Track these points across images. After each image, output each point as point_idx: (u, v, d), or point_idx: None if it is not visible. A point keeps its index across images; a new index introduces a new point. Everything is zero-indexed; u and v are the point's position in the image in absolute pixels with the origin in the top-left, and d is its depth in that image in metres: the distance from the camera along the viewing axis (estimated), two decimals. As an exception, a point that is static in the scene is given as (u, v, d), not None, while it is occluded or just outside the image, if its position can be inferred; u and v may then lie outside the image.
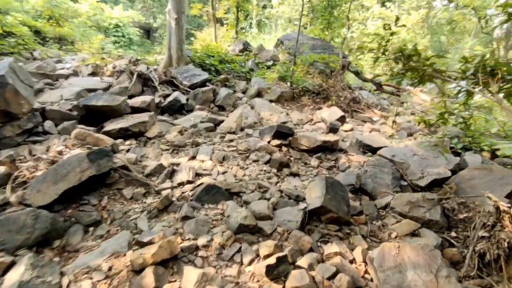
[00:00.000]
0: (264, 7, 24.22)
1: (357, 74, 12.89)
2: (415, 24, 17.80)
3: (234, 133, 4.86)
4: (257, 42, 15.74)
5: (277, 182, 3.41)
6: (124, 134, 4.34)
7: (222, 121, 5.33)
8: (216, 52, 10.23)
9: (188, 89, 7.61)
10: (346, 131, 6.02)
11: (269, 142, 4.24)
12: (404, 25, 11.71)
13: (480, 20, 14.75)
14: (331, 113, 6.71)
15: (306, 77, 9.41)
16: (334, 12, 12.99)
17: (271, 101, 8.31)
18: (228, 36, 14.95)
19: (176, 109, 6.01)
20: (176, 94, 6.15)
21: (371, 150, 4.47)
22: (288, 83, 8.82)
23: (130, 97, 6.65)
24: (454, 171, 4.07)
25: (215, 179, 3.39)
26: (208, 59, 9.21)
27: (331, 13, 12.74)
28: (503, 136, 5.21)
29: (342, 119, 6.60)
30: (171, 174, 3.52)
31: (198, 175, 3.55)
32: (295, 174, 3.66)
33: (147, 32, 29.15)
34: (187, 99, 7.11)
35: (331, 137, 4.16)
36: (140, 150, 3.96)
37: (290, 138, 4.34)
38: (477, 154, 4.85)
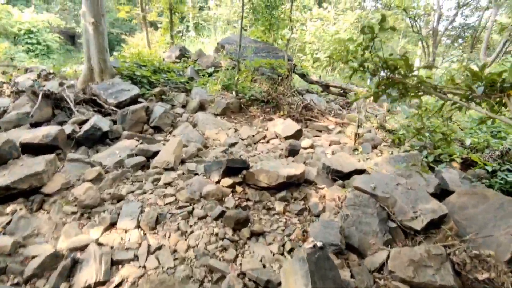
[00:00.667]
0: (201, 9, 23.02)
1: (303, 76, 12.39)
2: (352, 24, 18.14)
3: (172, 169, 3.80)
4: (195, 46, 14.57)
5: (236, 256, 2.44)
6: (6, 194, 3.02)
7: (157, 152, 4.21)
8: (149, 61, 8.92)
9: (114, 109, 6.29)
10: (305, 148, 5.29)
11: (218, 182, 3.29)
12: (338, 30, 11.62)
13: (411, 20, 15.38)
14: (285, 126, 5.94)
15: (252, 84, 8.59)
16: (275, 13, 12.37)
17: (216, 114, 7.33)
18: (163, 41, 13.56)
19: (97, 139, 4.71)
20: (95, 119, 4.83)
21: (342, 176, 3.77)
22: (234, 93, 7.91)
23: (35, 125, 5.18)
24: (436, 195, 3.52)
25: (144, 268, 2.33)
26: (139, 70, 7.90)
27: (272, 14, 12.11)
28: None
29: (298, 133, 5.87)
30: (71, 271, 2.25)
31: (116, 263, 2.38)
32: (258, 234, 2.74)
33: (71, 38, 26.02)
34: (114, 122, 5.81)
35: (295, 169, 3.33)
36: (28, 223, 2.66)
37: (245, 173, 3.43)
38: (449, 166, 4.43)
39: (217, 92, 7.46)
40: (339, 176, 3.79)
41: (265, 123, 7.22)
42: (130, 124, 5.75)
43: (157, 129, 6.11)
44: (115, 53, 13.80)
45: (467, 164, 4.50)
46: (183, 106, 7.56)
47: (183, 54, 10.73)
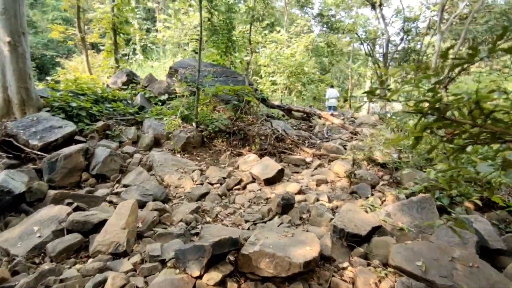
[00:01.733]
0: (148, 30, 21.68)
1: (264, 101, 11.66)
2: (306, 47, 18.23)
3: (125, 253, 2.57)
4: (144, 71, 13.23)
5: None
6: None
7: (101, 223, 2.92)
8: (89, 88, 7.48)
9: (40, 153, 4.81)
10: (294, 193, 4.34)
11: (200, 277, 2.15)
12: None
13: (363, 43, 15.78)
14: (264, 167, 4.96)
15: (214, 113, 7.56)
16: (232, 36, 11.64)
17: (175, 151, 6.14)
18: (106, 65, 12.02)
19: (5, 207, 3.27)
20: (2, 176, 3.38)
21: (360, 240, 2.86)
22: (194, 124, 6.81)
23: None
24: (479, 255, 2.76)
25: None
26: (76, 100, 6.45)
27: (230, 37, 11.35)
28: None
29: (279, 175, 4.92)
30: None
31: None
32: None
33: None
34: (39, 173, 4.36)
35: (310, 247, 2.28)
36: None
37: (237, 256, 2.34)
38: (467, 209, 3.77)
39: (175, 127, 6.28)
40: (357, 241, 2.88)
41: (234, 160, 6.20)
42: (62, 174, 4.34)
43: (101, 178, 4.75)
44: (48, 78, 11.86)
45: (483, 205, 3.89)
46: (134, 143, 6.26)
47: (131, 79, 9.39)
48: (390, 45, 17.06)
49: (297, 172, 5.87)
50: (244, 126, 6.90)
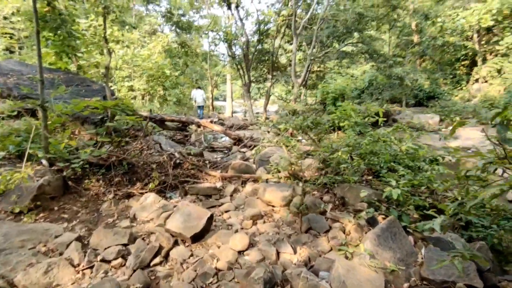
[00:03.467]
0: None
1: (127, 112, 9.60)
2: (164, 47, 16.47)
3: None
4: None
5: None
6: None
7: None
8: None
9: None
10: (241, 251, 3.13)
11: None
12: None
13: (225, 43, 15.41)
14: (185, 217, 3.51)
15: (75, 141, 5.32)
16: (71, 30, 8.86)
17: (18, 214, 3.84)
18: None
19: None
20: None
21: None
22: (45, 162, 4.53)
23: None
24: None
25: None
26: None
27: (69, 31, 8.58)
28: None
29: (208, 223, 3.60)
30: None
31: None
32: None
33: None
34: None
35: None
36: None
37: None
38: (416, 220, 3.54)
39: (18, 181, 3.90)
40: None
41: (124, 206, 4.39)
42: None
43: None
44: None
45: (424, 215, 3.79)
46: None
47: None
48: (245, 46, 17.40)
49: (213, 207, 4.62)
50: (129, 154, 5.06)
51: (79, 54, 8.76)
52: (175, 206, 4.42)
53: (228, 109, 22.61)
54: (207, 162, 6.09)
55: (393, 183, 3.59)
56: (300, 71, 16.48)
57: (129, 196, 4.63)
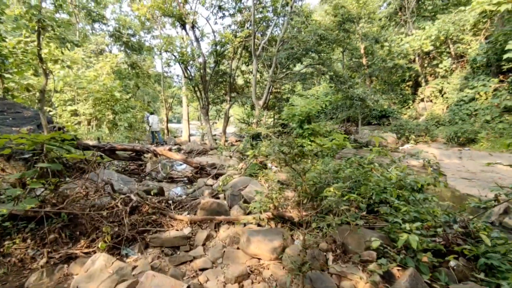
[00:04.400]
0: None
1: (72, 141, 8.29)
2: (111, 68, 15.10)
3: None
4: None
5: None
6: None
7: None
8: None
9: None
10: None
11: None
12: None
13: (181, 64, 14.54)
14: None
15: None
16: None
17: None
18: None
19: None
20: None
21: None
22: None
23: None
24: None
25: None
26: None
27: (-4, 49, 7.17)
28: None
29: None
30: None
31: None
32: None
33: None
34: None
35: None
36: None
37: None
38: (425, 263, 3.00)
39: None
40: None
41: (61, 274, 3.29)
42: None
43: None
44: None
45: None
46: None
47: None
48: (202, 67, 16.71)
49: (184, 263, 3.69)
50: (70, 201, 3.94)
51: (7, 75, 7.33)
52: (135, 268, 3.43)
53: (184, 132, 21.46)
54: (170, 202, 5.11)
55: (405, 225, 3.03)
56: (259, 92, 16.17)
57: (69, 259, 3.52)
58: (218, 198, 5.87)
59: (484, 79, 16.57)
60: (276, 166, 8.40)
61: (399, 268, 2.97)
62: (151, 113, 18.14)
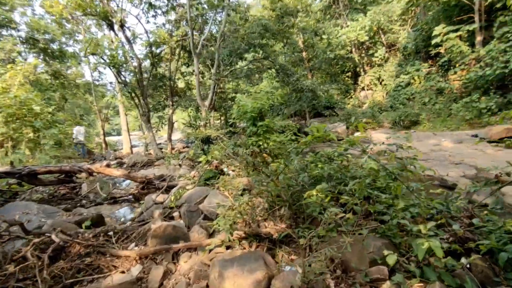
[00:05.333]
0: None
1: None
2: (25, 78, 12.89)
3: None
4: None
5: None
6: None
7: None
8: None
9: None
10: None
11: None
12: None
13: (113, 69, 12.93)
14: None
15: None
16: None
17: None
18: None
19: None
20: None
21: None
22: None
23: None
24: None
25: None
26: None
27: None
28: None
29: None
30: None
31: None
32: None
33: None
34: None
35: None
36: None
37: None
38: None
39: None
40: None
41: None
42: None
43: None
44: None
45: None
46: None
47: None
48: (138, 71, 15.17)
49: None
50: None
51: None
52: None
53: (125, 144, 19.50)
54: (111, 233, 4.02)
55: (415, 226, 2.45)
56: (204, 93, 15.15)
57: None
58: (173, 218, 4.89)
59: (416, 65, 17.59)
60: (233, 171, 7.61)
61: (421, 284, 2.37)
62: (78, 124, 16.71)
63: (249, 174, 6.47)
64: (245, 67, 15.09)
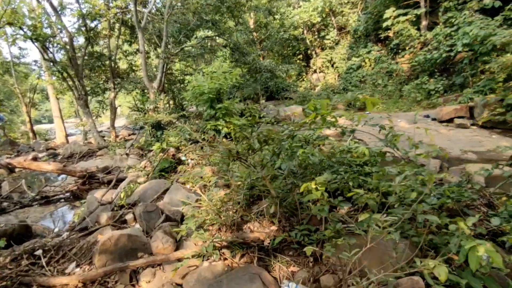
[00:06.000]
0: None
1: None
2: None
3: None
4: None
5: None
6: None
7: None
8: None
9: None
10: None
11: None
12: None
13: (36, 43, 10.84)
14: None
15: None
16: None
17: None
18: None
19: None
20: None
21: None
22: None
23: None
24: None
25: None
26: None
27: None
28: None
29: None
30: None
31: None
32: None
33: None
34: None
35: None
36: None
37: None
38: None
39: None
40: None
41: None
42: None
43: None
44: None
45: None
46: None
47: None
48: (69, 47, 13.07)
49: None
50: None
51: None
52: None
53: (59, 133, 17.11)
54: (39, 251, 2.97)
55: (460, 226, 1.94)
56: (150, 74, 13.60)
57: None
58: (125, 222, 3.92)
59: (368, 47, 17.85)
60: (192, 159, 6.72)
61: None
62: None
63: (211, 163, 5.68)
64: (198, 44, 13.81)
